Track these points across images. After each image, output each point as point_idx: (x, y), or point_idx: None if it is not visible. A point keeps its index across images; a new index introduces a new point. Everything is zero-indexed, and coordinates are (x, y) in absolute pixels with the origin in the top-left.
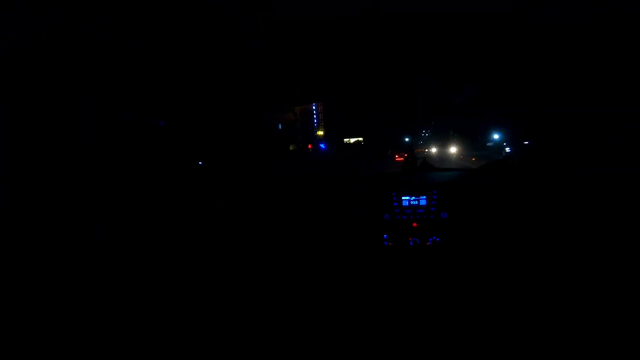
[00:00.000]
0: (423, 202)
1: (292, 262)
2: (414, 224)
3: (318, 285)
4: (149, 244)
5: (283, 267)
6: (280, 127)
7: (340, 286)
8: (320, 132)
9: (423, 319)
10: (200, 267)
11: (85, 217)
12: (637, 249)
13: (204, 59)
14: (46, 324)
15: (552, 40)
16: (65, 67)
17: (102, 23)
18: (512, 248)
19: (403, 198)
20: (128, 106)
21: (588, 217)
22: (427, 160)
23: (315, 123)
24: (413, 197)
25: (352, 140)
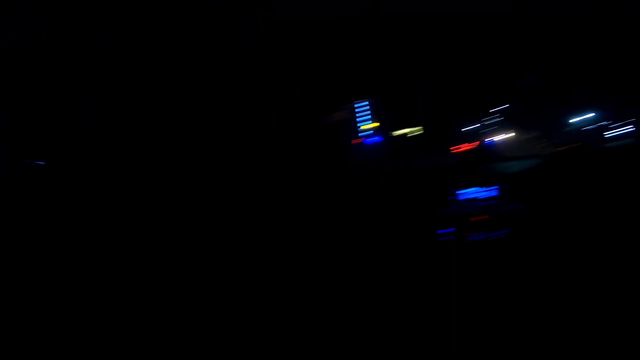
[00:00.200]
0: (488, 194)
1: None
2: (477, 217)
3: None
4: (149, 243)
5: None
6: (323, 123)
7: (377, 285)
8: (368, 126)
9: (495, 326)
10: (200, 266)
11: (85, 217)
12: None
13: (204, 59)
14: (46, 322)
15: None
16: (65, 67)
17: (102, 23)
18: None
19: (463, 191)
20: (128, 106)
21: None
22: (494, 148)
23: (361, 117)
24: (475, 189)
25: (404, 131)
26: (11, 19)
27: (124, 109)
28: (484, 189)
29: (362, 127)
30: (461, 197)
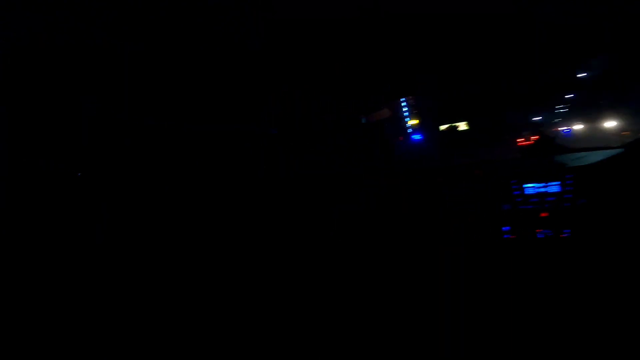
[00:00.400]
0: (555, 189)
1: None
2: (543, 214)
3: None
4: (149, 243)
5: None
6: (364, 121)
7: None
8: (413, 122)
9: (558, 327)
10: (200, 267)
11: (85, 217)
12: None
13: (204, 59)
14: (46, 322)
15: None
16: (65, 67)
17: (102, 23)
18: None
19: (528, 185)
20: (128, 106)
21: None
22: (563, 138)
23: (405, 112)
24: (541, 184)
25: (456, 125)
26: (11, 19)
27: (124, 109)
28: (552, 183)
29: (407, 124)
30: (526, 192)
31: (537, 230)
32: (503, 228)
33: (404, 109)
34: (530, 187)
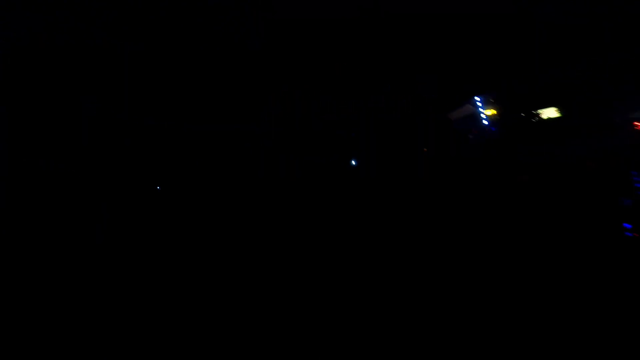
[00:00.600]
0: None
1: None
2: None
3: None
4: (148, 243)
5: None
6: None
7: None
8: (490, 112)
9: None
10: (200, 266)
11: (85, 217)
12: None
13: (204, 59)
14: (46, 322)
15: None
16: (65, 67)
17: (102, 23)
18: None
19: None
20: (128, 106)
21: None
22: None
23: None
24: None
25: (544, 112)
26: (11, 19)
27: (124, 109)
28: None
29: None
30: None
31: None
32: (624, 225)
33: (478, 102)
34: None
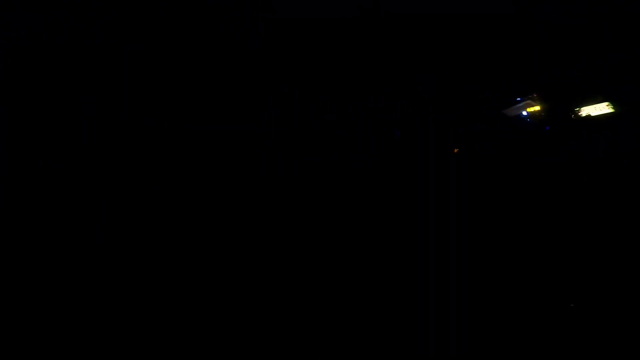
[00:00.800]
0: None
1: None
2: None
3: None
4: (148, 243)
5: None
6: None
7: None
8: (534, 108)
9: None
10: (200, 266)
11: (85, 217)
12: None
13: (204, 59)
14: (46, 322)
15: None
16: (65, 67)
17: (102, 23)
18: None
19: None
20: (128, 106)
21: None
22: None
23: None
24: None
25: (595, 109)
26: (11, 19)
27: (124, 109)
28: None
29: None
30: None
31: None
32: None
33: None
34: None
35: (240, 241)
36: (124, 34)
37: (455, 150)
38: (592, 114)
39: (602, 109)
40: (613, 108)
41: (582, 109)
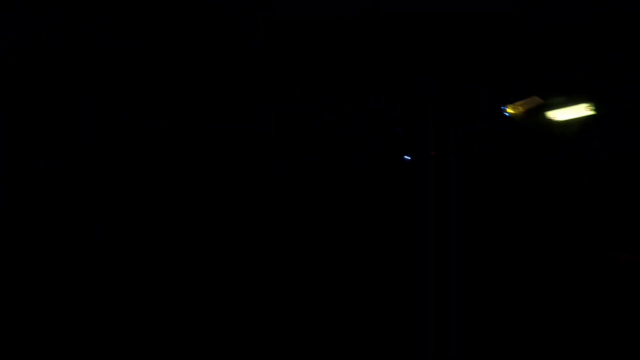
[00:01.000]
0: None
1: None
2: None
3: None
4: (148, 243)
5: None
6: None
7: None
8: (514, 110)
9: None
10: (200, 266)
11: (85, 217)
12: None
13: (204, 59)
14: (46, 322)
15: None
16: (65, 67)
17: (102, 23)
18: None
19: None
20: (128, 106)
21: None
22: None
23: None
24: None
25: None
26: (11, 19)
27: (124, 109)
28: None
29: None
30: None
31: None
32: None
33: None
34: None
35: (240, 241)
36: (124, 34)
37: (433, 153)
38: (569, 117)
39: (580, 111)
40: (594, 110)
41: (559, 111)
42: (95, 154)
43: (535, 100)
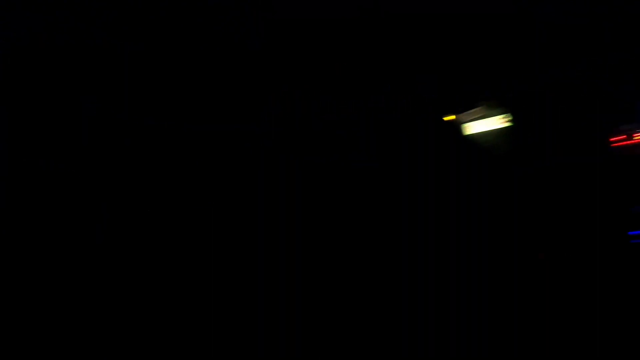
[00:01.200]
0: None
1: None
2: None
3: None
4: (149, 243)
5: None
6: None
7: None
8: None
9: None
10: (200, 267)
11: (85, 217)
12: None
13: (204, 59)
14: (46, 322)
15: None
16: (65, 67)
17: (102, 23)
18: None
19: None
20: (128, 106)
21: None
22: None
23: None
24: None
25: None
26: (11, 19)
27: (124, 109)
28: None
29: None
30: None
31: None
32: (630, 232)
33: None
34: None
35: (240, 241)
36: (124, 34)
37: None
38: (482, 130)
39: (495, 123)
40: (510, 122)
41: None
42: (95, 154)
43: (478, 111)
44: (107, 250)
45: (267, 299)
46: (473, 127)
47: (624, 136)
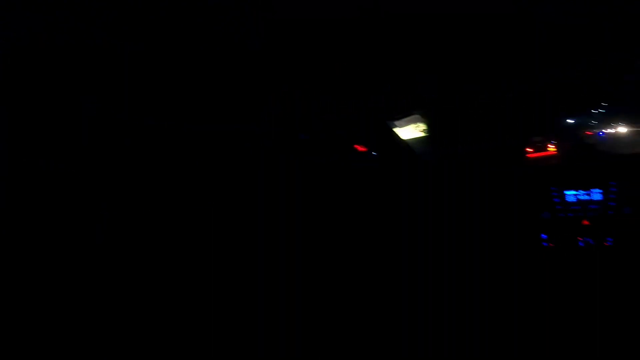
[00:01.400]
0: (597, 197)
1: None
2: (585, 222)
3: None
4: (149, 243)
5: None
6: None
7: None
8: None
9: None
10: (200, 267)
11: (85, 217)
12: None
13: (204, 59)
14: (46, 322)
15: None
16: (65, 67)
17: (102, 23)
18: None
19: (568, 192)
20: (128, 106)
21: None
22: (601, 144)
23: None
24: (582, 192)
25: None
26: (11, 19)
27: (124, 109)
28: (592, 190)
29: None
30: (567, 199)
31: (579, 239)
32: (542, 235)
33: None
34: (570, 195)
35: (240, 241)
36: (124, 34)
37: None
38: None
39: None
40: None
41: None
42: (95, 154)
43: (414, 118)
44: (107, 250)
45: (267, 299)
46: (404, 133)
47: (538, 147)
